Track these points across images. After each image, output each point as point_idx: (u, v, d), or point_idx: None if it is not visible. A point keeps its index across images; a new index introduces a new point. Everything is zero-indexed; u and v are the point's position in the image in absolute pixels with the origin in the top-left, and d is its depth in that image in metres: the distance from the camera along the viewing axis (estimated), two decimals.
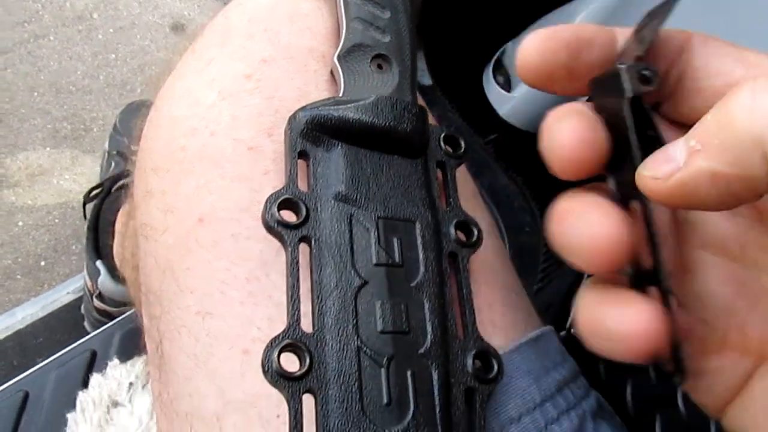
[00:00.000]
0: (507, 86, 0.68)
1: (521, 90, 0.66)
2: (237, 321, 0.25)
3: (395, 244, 0.24)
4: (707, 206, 0.17)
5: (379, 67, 0.28)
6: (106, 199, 0.78)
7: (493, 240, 0.30)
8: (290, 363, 0.21)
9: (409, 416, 0.21)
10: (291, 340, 0.21)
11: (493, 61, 0.72)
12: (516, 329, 0.28)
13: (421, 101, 0.31)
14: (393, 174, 0.25)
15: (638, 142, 0.19)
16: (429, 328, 0.23)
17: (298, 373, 0.20)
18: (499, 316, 0.27)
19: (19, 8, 1.42)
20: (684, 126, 0.20)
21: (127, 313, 0.63)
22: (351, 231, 0.24)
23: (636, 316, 0.17)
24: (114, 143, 0.91)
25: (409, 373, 0.22)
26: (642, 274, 0.20)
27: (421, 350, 0.23)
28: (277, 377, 0.20)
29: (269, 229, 0.23)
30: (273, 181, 0.27)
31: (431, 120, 0.29)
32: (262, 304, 0.25)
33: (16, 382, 0.56)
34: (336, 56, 0.28)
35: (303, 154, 0.25)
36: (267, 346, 0.21)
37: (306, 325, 0.22)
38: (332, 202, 0.24)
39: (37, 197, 1.19)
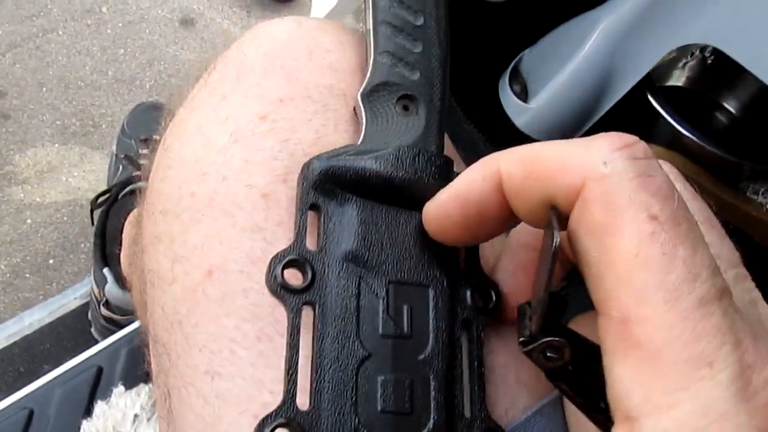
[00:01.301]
0: (524, 96, 0.66)
1: (539, 100, 0.64)
2: (247, 383, 0.23)
3: (405, 313, 0.22)
4: None
5: (405, 108, 0.26)
6: (113, 206, 0.77)
7: None
8: None
9: None
10: (284, 419, 0.20)
11: (509, 69, 0.70)
12: (545, 385, 0.26)
13: (450, 146, 0.29)
14: (410, 232, 0.24)
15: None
16: (433, 408, 0.22)
17: None
18: (526, 373, 0.26)
19: (27, 2, 1.40)
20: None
21: (133, 327, 0.62)
22: (359, 296, 0.22)
23: None
24: (122, 146, 0.90)
25: None
26: None
27: None
28: None
29: (273, 292, 0.22)
30: (287, 231, 0.25)
31: (458, 166, 0.27)
32: (274, 365, 0.23)
33: (20, 399, 0.55)
34: (360, 94, 0.26)
35: (314, 207, 0.23)
36: (259, 423, 0.20)
37: (303, 400, 0.20)
38: (341, 263, 0.22)
39: (45, 194, 1.18)
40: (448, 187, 0.22)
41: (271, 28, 0.31)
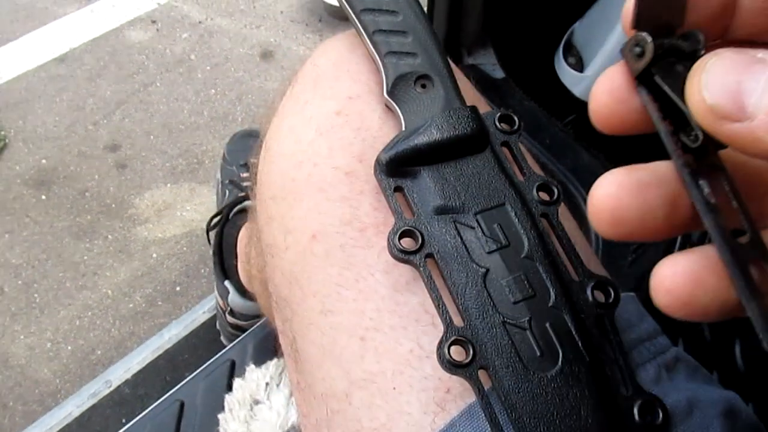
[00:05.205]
0: (579, 66, 0.69)
1: (594, 68, 0.67)
2: (352, 315, 0.30)
3: (497, 230, 0.28)
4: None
5: (423, 86, 0.32)
6: (226, 225, 0.86)
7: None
8: (458, 353, 0.26)
9: (560, 357, 0.26)
10: (455, 336, 0.26)
11: (562, 43, 0.74)
12: None
13: (476, 96, 0.34)
14: (472, 173, 0.30)
15: (661, 117, 0.20)
16: (549, 285, 0.27)
17: (467, 361, 0.26)
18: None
19: (127, 62, 1.56)
20: (757, 43, 0.19)
21: (257, 324, 0.70)
22: (460, 234, 0.28)
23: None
24: (225, 173, 0.99)
25: (548, 325, 0.27)
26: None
27: (550, 303, 0.27)
28: (453, 368, 0.26)
29: (399, 259, 0.28)
30: (368, 197, 0.31)
31: (483, 107, 0.32)
32: (371, 298, 0.29)
33: (171, 393, 0.65)
34: (385, 93, 0.32)
35: (398, 189, 0.30)
36: (438, 345, 0.26)
37: (457, 320, 0.27)
38: (435, 218, 0.28)
39: (165, 230, 1.31)
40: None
41: (334, 43, 0.38)
